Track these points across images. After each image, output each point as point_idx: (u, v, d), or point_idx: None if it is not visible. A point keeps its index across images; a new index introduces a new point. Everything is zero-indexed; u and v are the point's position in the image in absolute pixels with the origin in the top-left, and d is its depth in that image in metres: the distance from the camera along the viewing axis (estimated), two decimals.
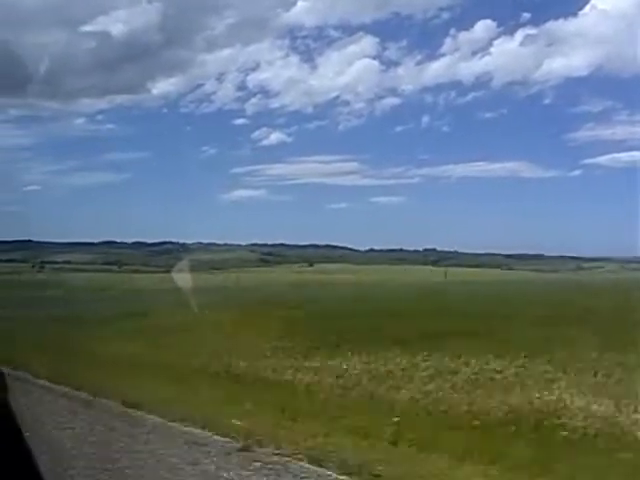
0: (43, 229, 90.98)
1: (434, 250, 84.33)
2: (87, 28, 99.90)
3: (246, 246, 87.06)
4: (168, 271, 36.62)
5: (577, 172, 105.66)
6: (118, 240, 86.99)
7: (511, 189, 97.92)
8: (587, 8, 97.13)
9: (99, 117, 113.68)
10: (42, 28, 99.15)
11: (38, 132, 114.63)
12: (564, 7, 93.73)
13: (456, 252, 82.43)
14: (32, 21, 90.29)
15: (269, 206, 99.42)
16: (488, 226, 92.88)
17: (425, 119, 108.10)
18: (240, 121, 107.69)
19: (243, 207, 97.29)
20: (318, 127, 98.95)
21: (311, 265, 64.62)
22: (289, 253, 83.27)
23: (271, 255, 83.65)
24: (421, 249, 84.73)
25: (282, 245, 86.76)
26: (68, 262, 73.21)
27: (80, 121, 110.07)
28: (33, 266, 65.62)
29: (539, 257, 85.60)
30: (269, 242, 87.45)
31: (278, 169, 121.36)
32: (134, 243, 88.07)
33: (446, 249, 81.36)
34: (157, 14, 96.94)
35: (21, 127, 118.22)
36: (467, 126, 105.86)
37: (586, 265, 72.85)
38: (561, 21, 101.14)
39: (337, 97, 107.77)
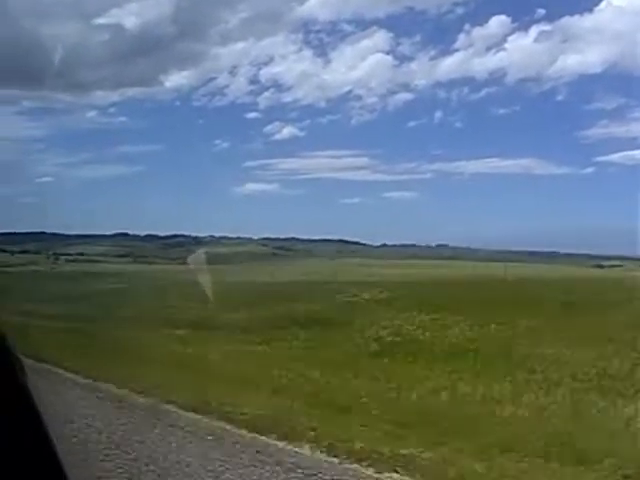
0: (55, 221, 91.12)
1: (446, 246, 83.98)
2: (101, 21, 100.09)
3: (257, 240, 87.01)
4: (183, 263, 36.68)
5: (590, 169, 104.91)
6: (130, 232, 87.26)
7: (523, 186, 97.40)
8: (603, 4, 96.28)
9: (111, 110, 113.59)
10: (56, 20, 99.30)
11: (51, 124, 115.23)
12: (580, 3, 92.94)
13: (469, 248, 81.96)
14: (46, 13, 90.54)
15: (281, 200, 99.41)
16: (501, 222, 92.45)
17: (438, 114, 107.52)
18: (252, 115, 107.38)
19: (255, 201, 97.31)
20: (330, 121, 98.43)
21: (332, 260, 64.42)
22: (301, 247, 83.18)
23: (282, 249, 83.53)
24: (434, 245, 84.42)
25: (294, 239, 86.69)
26: (81, 254, 73.34)
27: (92, 113, 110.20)
28: (48, 257, 65.85)
29: (554, 254, 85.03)
30: (281, 236, 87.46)
31: (290, 163, 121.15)
32: (146, 236, 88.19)
33: (458, 245, 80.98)
34: (171, 7, 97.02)
35: (34, 119, 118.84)
36: (480, 122, 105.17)
37: (605, 263, 72.24)
38: (576, 17, 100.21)
39: (350, 92, 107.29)
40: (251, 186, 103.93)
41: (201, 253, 41.52)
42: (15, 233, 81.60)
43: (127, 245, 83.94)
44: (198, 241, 79.66)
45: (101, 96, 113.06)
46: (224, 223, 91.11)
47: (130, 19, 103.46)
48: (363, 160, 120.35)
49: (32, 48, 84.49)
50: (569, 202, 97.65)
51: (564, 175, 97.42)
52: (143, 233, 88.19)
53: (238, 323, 19.43)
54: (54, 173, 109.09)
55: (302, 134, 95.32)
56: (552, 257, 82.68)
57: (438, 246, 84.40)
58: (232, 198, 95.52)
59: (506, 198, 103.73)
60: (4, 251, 72.04)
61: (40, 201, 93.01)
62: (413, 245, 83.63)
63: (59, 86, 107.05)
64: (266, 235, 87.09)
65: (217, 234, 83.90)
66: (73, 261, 64.35)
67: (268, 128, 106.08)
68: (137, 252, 78.50)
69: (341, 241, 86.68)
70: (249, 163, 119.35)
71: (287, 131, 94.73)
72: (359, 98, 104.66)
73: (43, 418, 1.25)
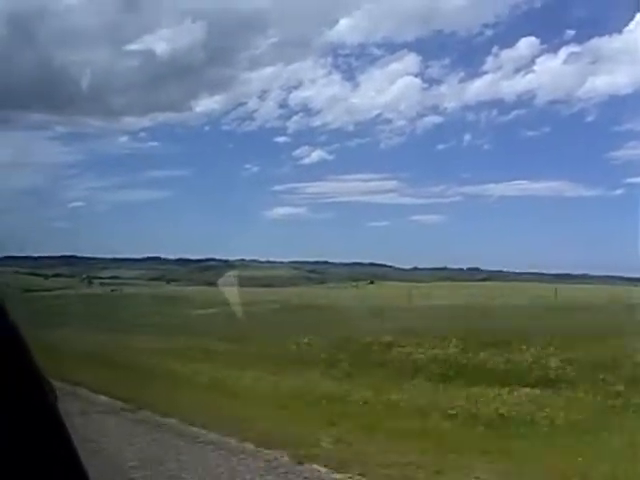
0: (87, 245, 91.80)
1: (477, 269, 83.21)
2: (132, 47, 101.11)
3: (288, 263, 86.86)
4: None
5: (619, 191, 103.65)
6: (162, 256, 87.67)
7: (553, 208, 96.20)
8: (632, 25, 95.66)
9: (142, 134, 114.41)
10: (88, 46, 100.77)
11: (83, 149, 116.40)
12: (609, 24, 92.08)
13: (500, 271, 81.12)
14: (79, 40, 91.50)
15: (309, 224, 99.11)
16: (531, 245, 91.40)
17: (467, 137, 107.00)
18: (282, 139, 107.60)
19: (284, 224, 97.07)
20: (359, 145, 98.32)
21: (372, 282, 63.96)
22: (333, 271, 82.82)
23: (315, 273, 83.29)
24: (465, 268, 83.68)
25: (325, 263, 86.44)
26: (115, 277, 73.79)
27: (124, 139, 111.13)
28: (81, 281, 66.21)
29: (584, 277, 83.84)
30: (310, 259, 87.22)
31: (318, 187, 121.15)
32: (178, 259, 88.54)
33: (490, 268, 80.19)
34: (201, 33, 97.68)
35: (67, 144, 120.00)
36: (509, 144, 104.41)
37: None
38: (606, 38, 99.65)
39: (379, 115, 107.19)
40: (280, 210, 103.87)
41: (238, 276, 41.47)
42: (47, 257, 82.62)
43: (159, 268, 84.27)
44: (229, 265, 79.57)
45: (132, 121, 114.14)
46: (254, 247, 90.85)
47: (161, 45, 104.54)
48: (391, 183, 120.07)
49: (65, 74, 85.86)
50: (599, 224, 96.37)
51: (594, 197, 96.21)
52: (174, 257, 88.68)
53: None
54: (85, 197, 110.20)
55: (331, 158, 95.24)
56: (584, 279, 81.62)
57: (469, 269, 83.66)
58: (261, 222, 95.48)
59: (535, 221, 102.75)
60: (38, 275, 72.74)
61: (72, 225, 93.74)
62: (444, 268, 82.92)
63: (91, 111, 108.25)
64: (295, 259, 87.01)
65: (247, 257, 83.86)
66: (108, 284, 64.51)
67: (297, 152, 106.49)
68: (169, 275, 78.70)
69: (372, 264, 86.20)
70: (278, 187, 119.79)
71: (316, 155, 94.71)
72: (388, 121, 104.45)
73: (73, 442, 1.25)
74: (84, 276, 69.92)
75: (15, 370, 1.19)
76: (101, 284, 64.87)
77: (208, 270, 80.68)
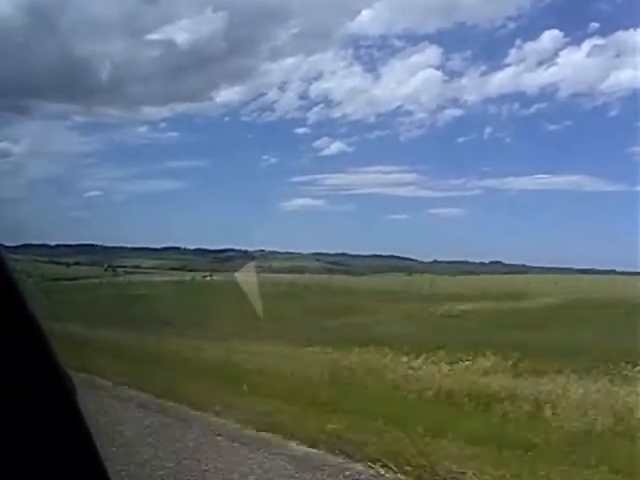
0: (105, 234, 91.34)
1: (500, 263, 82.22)
2: (152, 37, 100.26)
3: (308, 255, 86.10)
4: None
5: None
6: (181, 246, 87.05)
7: (574, 203, 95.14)
8: None
9: (162, 125, 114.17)
10: (108, 37, 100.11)
11: (103, 139, 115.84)
12: (634, 16, 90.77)
13: (523, 265, 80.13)
14: (99, 30, 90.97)
15: (329, 215, 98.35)
16: (554, 240, 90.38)
17: (487, 130, 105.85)
18: (302, 130, 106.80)
19: (303, 216, 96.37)
20: (379, 137, 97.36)
21: (409, 274, 63.16)
22: (353, 263, 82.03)
23: (336, 264, 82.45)
24: (487, 261, 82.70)
25: (345, 255, 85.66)
26: (137, 267, 73.18)
27: (143, 129, 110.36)
28: (105, 270, 65.59)
29: (611, 272, 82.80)
30: (331, 251, 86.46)
31: (338, 179, 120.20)
32: (196, 249, 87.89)
33: (512, 262, 79.17)
34: (222, 23, 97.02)
35: (86, 134, 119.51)
36: (530, 138, 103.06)
37: None
38: (630, 31, 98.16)
39: (399, 107, 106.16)
40: (299, 201, 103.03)
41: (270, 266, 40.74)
42: (65, 245, 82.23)
43: (178, 258, 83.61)
44: (248, 255, 78.96)
45: (151, 111, 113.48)
46: (273, 238, 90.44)
47: (181, 35, 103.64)
48: (411, 176, 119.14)
49: (85, 64, 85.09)
50: (623, 219, 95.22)
51: (615, 192, 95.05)
52: (193, 247, 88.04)
53: None
54: (103, 187, 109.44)
55: (350, 149, 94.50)
56: (610, 274, 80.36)
57: (491, 263, 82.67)
58: (280, 213, 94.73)
59: (556, 215, 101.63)
60: (57, 263, 72.23)
61: (89, 214, 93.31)
62: (465, 262, 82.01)
63: (111, 101, 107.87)
64: (315, 250, 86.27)
65: (267, 249, 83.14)
66: (131, 273, 63.88)
67: (317, 143, 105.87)
68: (189, 265, 78.01)
69: (392, 257, 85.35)
70: (297, 178, 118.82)
71: (335, 146, 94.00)
72: (408, 114, 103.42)
73: (93, 437, 1.23)
74: (106, 265, 69.20)
75: (33, 363, 1.16)
76: (125, 272, 64.31)
77: (228, 260, 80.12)
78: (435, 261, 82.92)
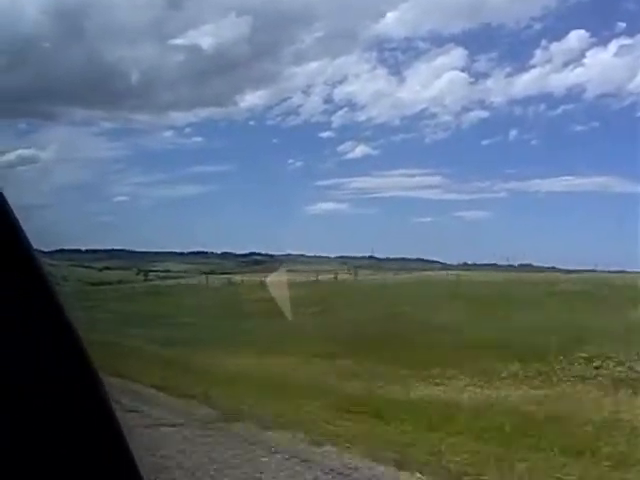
0: (133, 239, 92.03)
1: (530, 265, 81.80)
2: (177, 42, 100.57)
3: (335, 258, 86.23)
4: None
5: None
6: (207, 250, 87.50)
7: (601, 204, 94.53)
8: None
9: (187, 130, 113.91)
10: (134, 42, 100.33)
11: (129, 144, 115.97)
12: None
13: (554, 268, 79.65)
14: (125, 35, 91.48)
15: (354, 219, 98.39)
16: (582, 241, 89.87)
17: (513, 132, 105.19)
18: (326, 134, 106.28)
19: (328, 219, 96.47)
20: (404, 140, 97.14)
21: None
22: (381, 266, 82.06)
23: (363, 267, 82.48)
24: (516, 264, 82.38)
25: (372, 258, 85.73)
26: (168, 271, 73.66)
27: (169, 134, 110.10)
28: (137, 274, 66.07)
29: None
30: (357, 254, 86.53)
31: (363, 182, 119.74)
32: (223, 253, 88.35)
33: (542, 264, 78.83)
34: (246, 27, 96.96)
35: (113, 139, 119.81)
36: (557, 139, 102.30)
37: None
38: None
39: (424, 110, 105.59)
40: (324, 205, 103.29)
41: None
42: (95, 250, 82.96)
43: (206, 262, 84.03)
44: (275, 259, 79.32)
45: (177, 117, 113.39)
46: (298, 242, 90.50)
47: (206, 40, 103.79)
48: (436, 179, 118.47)
49: (112, 69, 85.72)
50: None
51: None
52: (219, 251, 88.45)
53: None
54: (130, 192, 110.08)
55: (375, 153, 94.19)
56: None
57: (521, 265, 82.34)
58: (305, 217, 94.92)
59: (583, 217, 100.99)
60: (89, 267, 72.88)
61: (117, 219, 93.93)
62: (494, 264, 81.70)
63: (138, 107, 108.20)
64: (342, 254, 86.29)
65: (294, 252, 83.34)
66: (163, 278, 64.31)
67: (341, 147, 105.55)
68: (218, 269, 78.39)
69: (419, 259, 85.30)
70: (322, 182, 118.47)
71: (360, 150, 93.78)
72: (433, 116, 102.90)
73: (126, 438, 1.24)
74: (136, 269, 69.73)
75: (65, 361, 1.18)
76: (158, 277, 64.75)
77: (255, 264, 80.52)
78: (465, 264, 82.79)
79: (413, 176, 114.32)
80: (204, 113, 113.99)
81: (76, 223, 74.96)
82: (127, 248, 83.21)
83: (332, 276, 55.45)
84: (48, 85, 79.66)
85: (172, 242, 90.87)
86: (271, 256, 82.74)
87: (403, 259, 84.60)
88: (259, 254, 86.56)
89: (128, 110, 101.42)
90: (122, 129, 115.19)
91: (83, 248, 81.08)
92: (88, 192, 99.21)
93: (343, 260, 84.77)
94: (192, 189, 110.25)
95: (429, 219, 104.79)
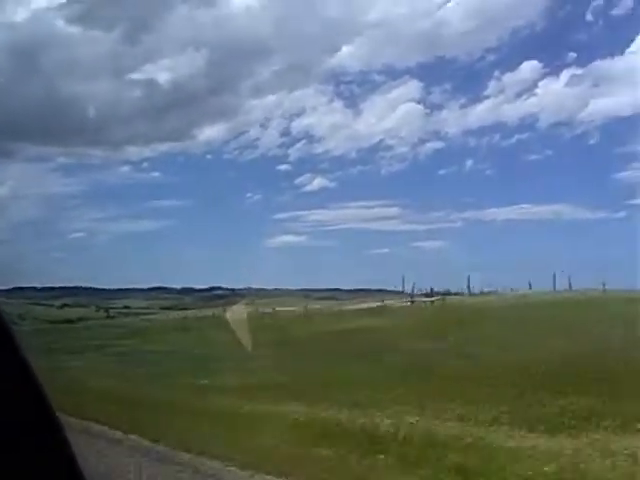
0: (90, 275, 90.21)
1: (495, 292, 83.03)
2: (134, 76, 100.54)
3: (296, 291, 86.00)
4: None
5: (622, 213, 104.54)
6: (167, 286, 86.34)
7: (557, 231, 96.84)
8: (633, 46, 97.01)
9: (144, 165, 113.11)
10: (90, 77, 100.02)
11: (84, 180, 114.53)
12: (611, 46, 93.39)
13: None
14: (80, 71, 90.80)
15: (313, 251, 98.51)
16: (538, 268, 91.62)
17: (469, 162, 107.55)
18: (284, 167, 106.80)
19: (287, 252, 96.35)
20: (361, 172, 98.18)
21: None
22: (343, 297, 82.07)
23: (325, 300, 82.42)
24: (477, 292, 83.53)
25: (335, 290, 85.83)
26: (127, 307, 72.38)
27: (126, 169, 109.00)
28: (97, 310, 64.71)
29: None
30: (317, 287, 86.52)
31: (321, 214, 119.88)
32: (183, 289, 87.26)
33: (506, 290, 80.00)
34: (203, 61, 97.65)
35: (68, 175, 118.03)
36: (511, 169, 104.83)
37: None
38: (608, 60, 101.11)
39: (380, 141, 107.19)
40: (283, 238, 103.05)
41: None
42: (52, 287, 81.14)
43: (166, 298, 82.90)
44: (236, 293, 78.73)
45: (134, 151, 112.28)
46: (259, 275, 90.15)
47: (163, 74, 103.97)
48: (393, 210, 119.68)
49: (66, 105, 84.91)
50: (607, 246, 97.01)
51: (597, 220, 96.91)
52: (179, 286, 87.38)
53: None
54: (87, 228, 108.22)
55: (332, 185, 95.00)
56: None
57: (482, 294, 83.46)
58: (265, 250, 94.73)
59: (540, 244, 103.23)
60: (48, 305, 71.25)
61: (72, 256, 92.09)
62: (460, 293, 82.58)
63: (93, 142, 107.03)
64: (302, 286, 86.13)
65: (255, 286, 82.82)
66: (126, 315, 63.11)
67: (299, 180, 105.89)
68: (179, 305, 77.38)
69: (380, 290, 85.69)
70: (280, 215, 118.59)
71: (317, 182, 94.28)
72: (390, 148, 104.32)
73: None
74: (96, 306, 68.37)
75: (24, 404, 1.17)
76: (119, 314, 63.51)
77: (215, 299, 79.71)
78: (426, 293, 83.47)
79: (371, 207, 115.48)
80: (161, 148, 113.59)
81: (31, 260, 73.39)
82: (84, 285, 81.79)
83: (293, 309, 55.73)
84: (2, 121, 78.28)
85: (130, 278, 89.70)
86: (232, 290, 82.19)
87: (363, 290, 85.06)
88: (220, 288, 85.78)
89: (84, 146, 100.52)
90: (78, 164, 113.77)
91: (39, 285, 79.50)
92: (44, 228, 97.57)
93: (305, 293, 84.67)
94: (150, 224, 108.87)
95: (387, 250, 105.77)
